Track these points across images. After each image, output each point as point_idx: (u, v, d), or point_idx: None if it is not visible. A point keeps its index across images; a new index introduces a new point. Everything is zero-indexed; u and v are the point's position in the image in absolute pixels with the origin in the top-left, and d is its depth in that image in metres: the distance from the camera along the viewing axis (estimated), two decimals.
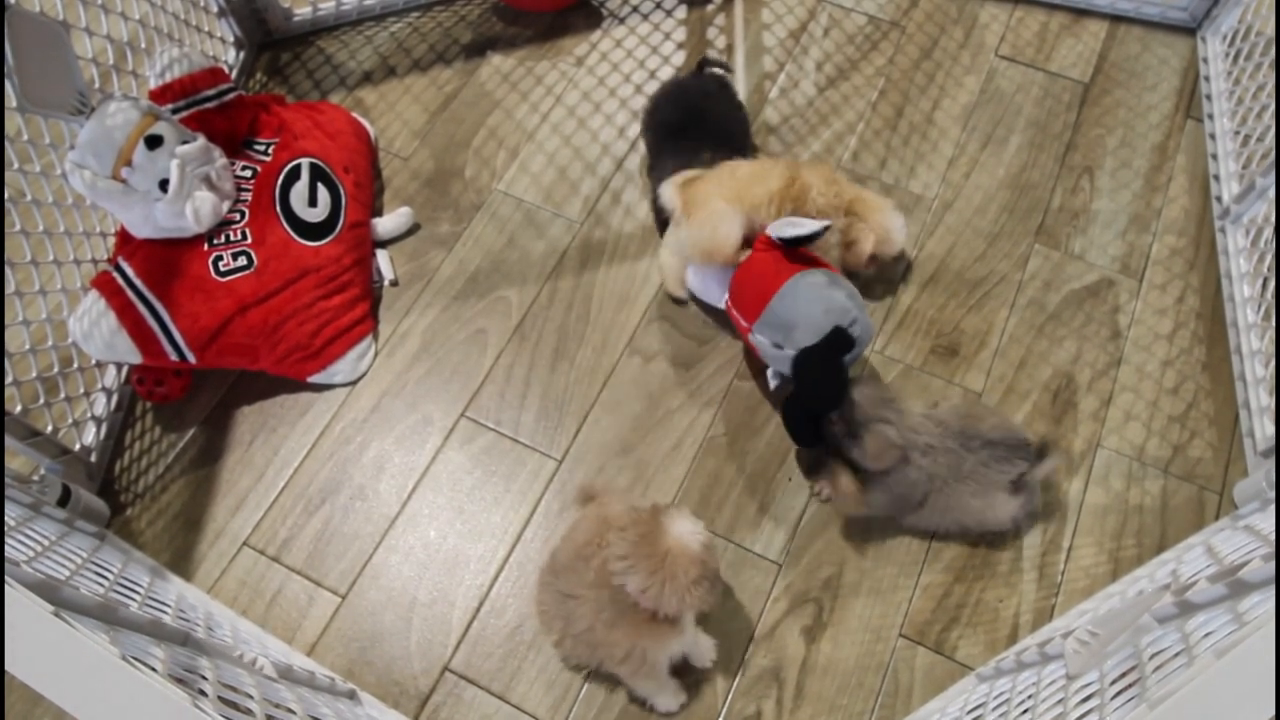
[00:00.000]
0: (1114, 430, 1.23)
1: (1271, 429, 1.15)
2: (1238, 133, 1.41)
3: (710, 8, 1.61)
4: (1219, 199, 1.39)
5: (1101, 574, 1.13)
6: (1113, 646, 0.74)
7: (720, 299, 1.23)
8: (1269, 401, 1.18)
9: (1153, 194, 1.42)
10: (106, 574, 0.91)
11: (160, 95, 1.23)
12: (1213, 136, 1.45)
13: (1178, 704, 0.47)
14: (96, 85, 1.18)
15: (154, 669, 0.59)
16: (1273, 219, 1.26)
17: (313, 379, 1.24)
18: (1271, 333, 1.21)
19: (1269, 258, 1.24)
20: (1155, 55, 1.57)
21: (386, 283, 1.33)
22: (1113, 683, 0.70)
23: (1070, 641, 0.81)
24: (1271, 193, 1.27)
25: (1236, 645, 0.49)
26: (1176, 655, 0.66)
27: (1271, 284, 1.22)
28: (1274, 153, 1.21)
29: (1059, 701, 0.76)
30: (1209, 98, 1.49)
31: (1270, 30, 1.40)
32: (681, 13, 1.61)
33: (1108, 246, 1.37)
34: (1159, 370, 1.27)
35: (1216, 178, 1.41)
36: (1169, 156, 1.46)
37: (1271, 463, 1.09)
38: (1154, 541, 1.15)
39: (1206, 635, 0.65)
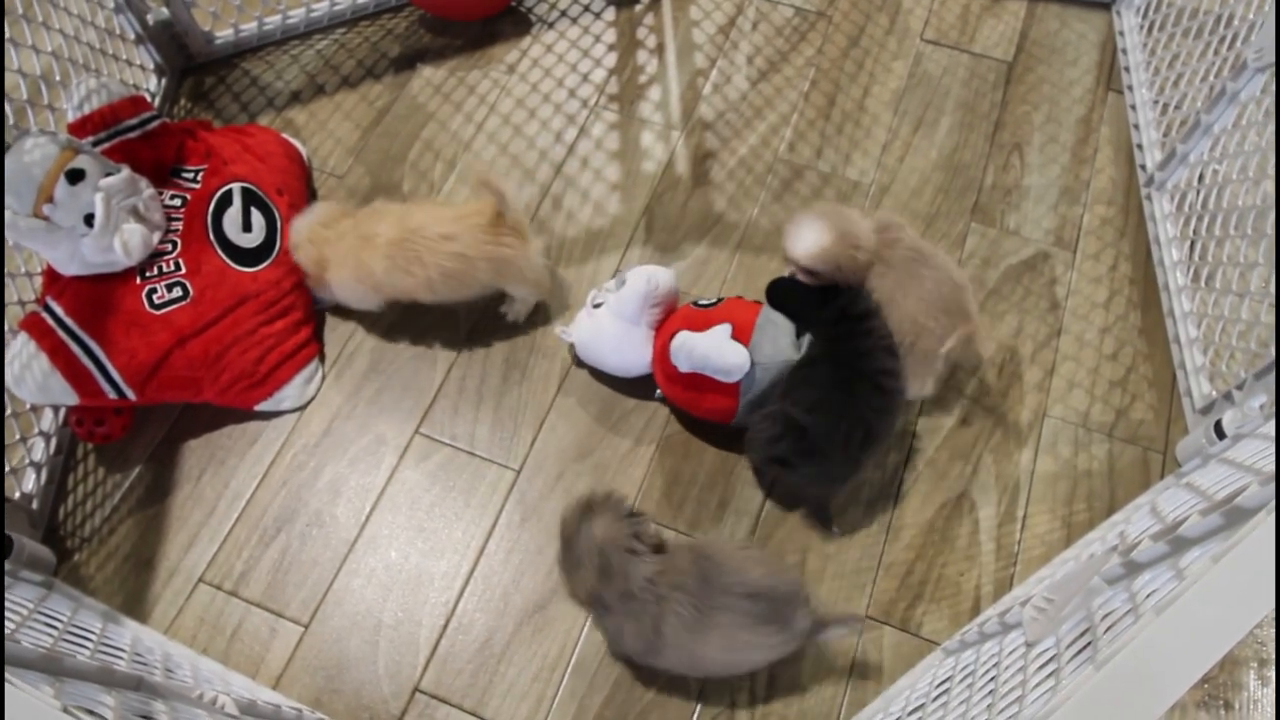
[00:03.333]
0: (1059, 399, 1.26)
1: (1209, 388, 1.19)
2: (1156, 102, 1.45)
3: (639, 8, 1.62)
4: (1143, 167, 1.43)
5: (1056, 540, 1.16)
6: (1067, 611, 0.76)
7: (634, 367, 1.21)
8: (1203, 360, 1.22)
9: (1080, 166, 1.46)
10: (55, 623, 0.88)
11: (80, 128, 1.19)
12: (1134, 107, 1.49)
13: (1121, 662, 0.48)
14: (11, 122, 1.14)
15: (104, 718, 0.57)
16: (1195, 184, 1.30)
17: (260, 407, 1.22)
18: (1202, 293, 1.25)
19: (1194, 221, 1.28)
20: (1074, 31, 1.61)
21: (330, 304, 1.31)
22: (1069, 646, 0.72)
23: (1027, 609, 0.82)
24: (1191, 158, 1.31)
25: (1174, 601, 0.50)
26: (1126, 614, 0.67)
27: (1200, 246, 1.26)
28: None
29: (1020, 670, 0.77)
30: (1128, 70, 1.54)
31: (1181, 1, 1.44)
32: (610, 14, 1.61)
33: (1041, 220, 1.41)
34: (1098, 338, 1.31)
35: (1140, 147, 1.45)
36: (1093, 129, 1.50)
37: (1209, 420, 1.12)
38: (1104, 504, 1.19)
39: (1152, 593, 0.66)
